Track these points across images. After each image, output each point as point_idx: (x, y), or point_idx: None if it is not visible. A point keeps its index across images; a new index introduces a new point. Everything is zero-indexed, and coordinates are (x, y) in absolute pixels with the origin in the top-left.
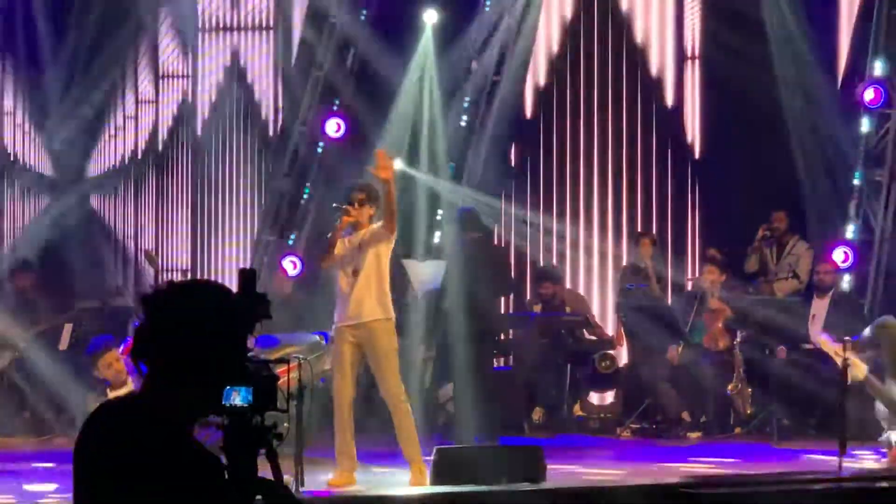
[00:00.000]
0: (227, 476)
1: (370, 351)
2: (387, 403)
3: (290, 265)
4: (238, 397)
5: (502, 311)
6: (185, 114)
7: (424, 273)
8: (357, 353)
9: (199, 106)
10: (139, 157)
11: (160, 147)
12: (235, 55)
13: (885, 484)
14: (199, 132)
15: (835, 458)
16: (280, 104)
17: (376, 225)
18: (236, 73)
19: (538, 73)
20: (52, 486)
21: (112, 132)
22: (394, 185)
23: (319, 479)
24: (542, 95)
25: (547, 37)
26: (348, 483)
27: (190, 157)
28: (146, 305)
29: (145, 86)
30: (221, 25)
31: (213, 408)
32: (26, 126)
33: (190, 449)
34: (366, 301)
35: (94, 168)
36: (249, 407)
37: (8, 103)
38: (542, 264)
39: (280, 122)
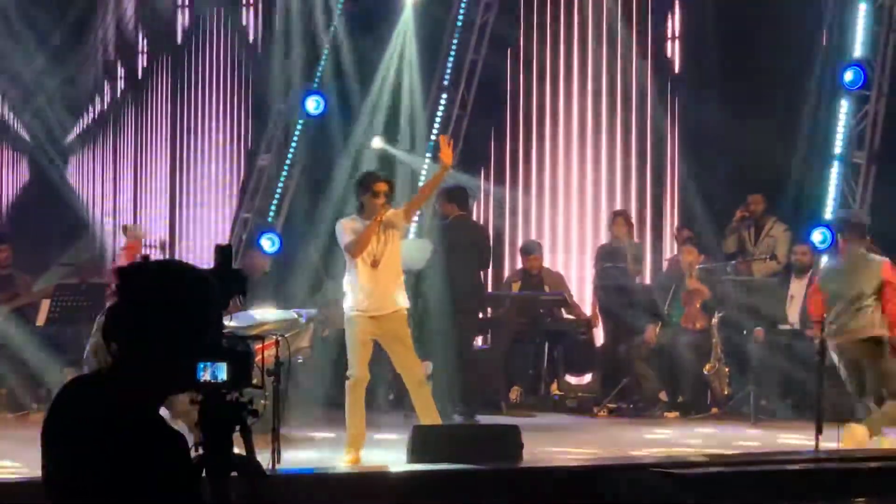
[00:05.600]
0: (201, 452)
1: (393, 338)
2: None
3: (268, 242)
4: (212, 373)
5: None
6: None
7: (406, 252)
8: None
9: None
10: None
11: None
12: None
13: (861, 464)
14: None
15: (811, 440)
16: (260, 81)
17: (392, 211)
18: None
19: (519, 44)
20: (24, 463)
21: (90, 106)
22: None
23: (296, 457)
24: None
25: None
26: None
27: (169, 107)
28: (121, 279)
29: (127, 61)
30: (202, 1)
31: (185, 384)
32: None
33: (157, 426)
34: (391, 292)
35: (76, 146)
36: (224, 383)
37: None
38: (521, 241)
39: (260, 98)
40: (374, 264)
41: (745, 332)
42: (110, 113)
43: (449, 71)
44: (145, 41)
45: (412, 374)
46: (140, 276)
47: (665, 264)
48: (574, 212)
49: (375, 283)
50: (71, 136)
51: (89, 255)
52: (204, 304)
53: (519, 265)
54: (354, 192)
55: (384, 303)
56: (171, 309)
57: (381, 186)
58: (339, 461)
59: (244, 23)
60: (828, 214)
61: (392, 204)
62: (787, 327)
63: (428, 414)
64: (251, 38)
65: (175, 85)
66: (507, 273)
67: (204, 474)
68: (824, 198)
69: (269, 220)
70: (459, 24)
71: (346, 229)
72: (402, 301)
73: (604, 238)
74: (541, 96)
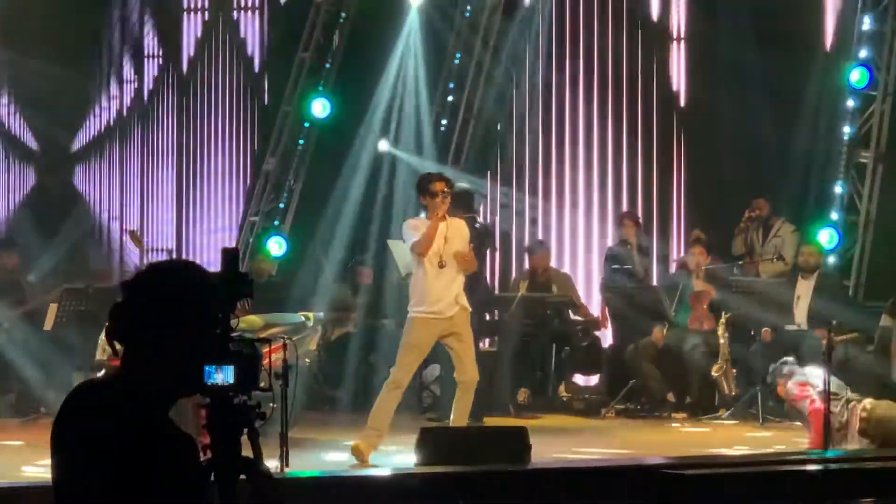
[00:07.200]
0: (209, 455)
1: (456, 337)
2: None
3: (275, 245)
4: (220, 376)
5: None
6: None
7: (409, 254)
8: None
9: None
10: (124, 114)
11: (145, 99)
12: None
13: (870, 465)
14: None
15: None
16: (265, 85)
17: (468, 237)
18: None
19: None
20: (35, 467)
21: (97, 112)
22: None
23: (304, 460)
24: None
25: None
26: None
27: (175, 113)
28: (125, 288)
29: (130, 66)
30: (206, 6)
31: (192, 387)
32: (12, 107)
33: (165, 429)
34: (456, 292)
35: (80, 152)
36: (231, 386)
37: None
38: (527, 242)
39: (266, 102)
40: (441, 265)
41: (752, 332)
42: (117, 118)
43: (455, 73)
44: (152, 47)
45: (468, 374)
46: (143, 276)
47: (672, 265)
48: (581, 213)
49: (443, 283)
50: (77, 143)
51: (97, 266)
52: (206, 303)
53: (526, 267)
54: (416, 196)
55: (450, 303)
56: (173, 308)
57: (439, 185)
58: (349, 464)
59: (251, 28)
60: (834, 215)
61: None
62: (793, 328)
63: (461, 417)
64: (258, 42)
65: (182, 89)
66: (514, 275)
67: (212, 478)
68: (831, 197)
69: (276, 223)
70: (465, 27)
71: (412, 228)
72: (465, 301)
73: (611, 239)
74: (546, 99)
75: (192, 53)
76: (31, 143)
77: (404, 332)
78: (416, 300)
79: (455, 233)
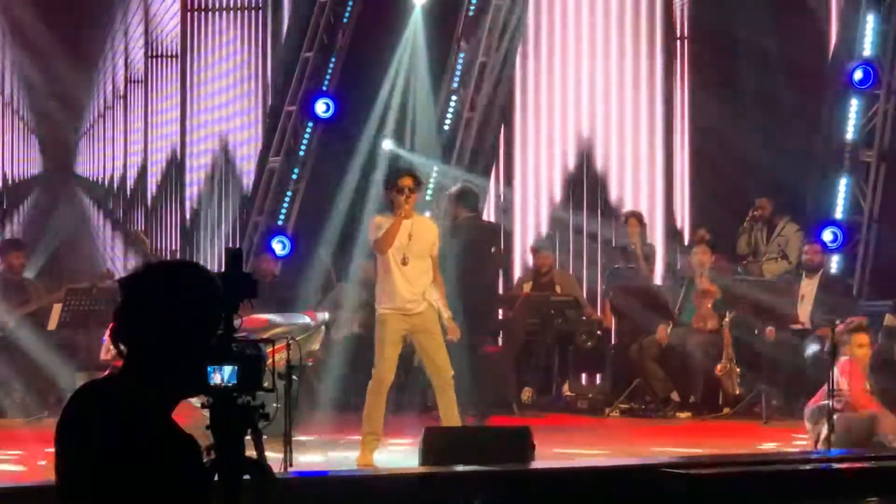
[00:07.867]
0: (213, 455)
1: (424, 334)
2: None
3: (279, 245)
4: (222, 377)
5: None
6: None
7: None
8: (403, 339)
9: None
10: (128, 187)
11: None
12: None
13: (873, 464)
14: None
15: None
16: (269, 84)
17: (435, 239)
18: (224, 60)
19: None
20: (36, 467)
21: (101, 111)
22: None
23: (308, 460)
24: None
25: None
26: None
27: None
28: (124, 288)
29: (135, 65)
30: (210, 6)
31: (195, 388)
32: (15, 105)
33: (168, 430)
34: (422, 289)
35: (83, 150)
36: (234, 386)
37: None
38: (531, 242)
39: (269, 103)
40: (405, 262)
41: (756, 331)
42: (119, 113)
43: (458, 72)
44: (153, 42)
45: (440, 372)
46: (144, 277)
47: (676, 264)
48: (584, 212)
49: (408, 280)
50: (80, 137)
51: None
52: (208, 304)
53: (530, 266)
54: (383, 192)
55: (416, 300)
56: (175, 309)
57: (405, 181)
58: (352, 463)
59: (254, 27)
60: (838, 214)
61: (419, 195)
62: (797, 327)
63: (450, 416)
64: (261, 40)
65: (184, 87)
66: (517, 275)
67: (216, 478)
68: (834, 196)
69: (280, 223)
70: (468, 26)
71: (374, 226)
72: (433, 299)
73: (615, 239)
74: (550, 96)
75: (196, 50)
76: (34, 144)
77: (376, 331)
78: (384, 297)
79: (419, 231)
